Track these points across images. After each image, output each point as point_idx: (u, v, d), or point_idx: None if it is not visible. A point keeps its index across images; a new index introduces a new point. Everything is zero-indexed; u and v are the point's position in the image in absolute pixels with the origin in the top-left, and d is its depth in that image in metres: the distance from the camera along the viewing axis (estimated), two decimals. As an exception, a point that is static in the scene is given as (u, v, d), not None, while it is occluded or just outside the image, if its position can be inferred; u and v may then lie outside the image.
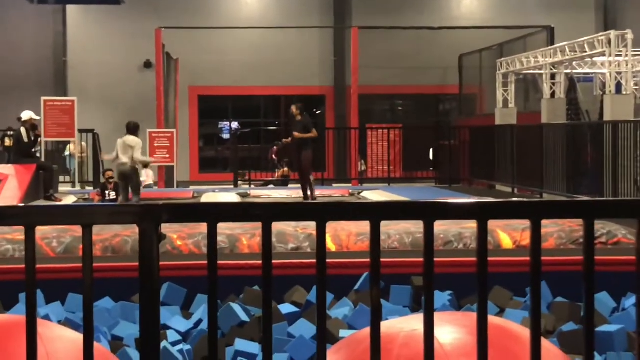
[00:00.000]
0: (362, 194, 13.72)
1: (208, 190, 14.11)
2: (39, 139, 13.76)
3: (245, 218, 1.91)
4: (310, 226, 6.79)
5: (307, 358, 5.06)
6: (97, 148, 17.48)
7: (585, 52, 13.71)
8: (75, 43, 23.11)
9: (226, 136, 24.14)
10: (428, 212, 1.88)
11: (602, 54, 13.28)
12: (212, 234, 1.84)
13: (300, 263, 6.27)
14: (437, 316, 3.17)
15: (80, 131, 17.06)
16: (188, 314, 6.02)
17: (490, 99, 19.67)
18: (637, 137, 10.34)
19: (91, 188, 16.04)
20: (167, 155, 17.64)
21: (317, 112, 23.39)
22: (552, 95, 15.32)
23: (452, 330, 3.20)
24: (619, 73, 12.68)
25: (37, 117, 13.30)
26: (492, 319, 3.37)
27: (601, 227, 7.09)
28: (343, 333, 5.20)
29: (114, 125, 18.40)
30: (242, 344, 5.22)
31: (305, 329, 5.40)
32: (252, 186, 16.83)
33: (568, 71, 16.08)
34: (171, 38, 19.68)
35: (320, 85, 23.44)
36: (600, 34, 13.83)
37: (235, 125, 23.58)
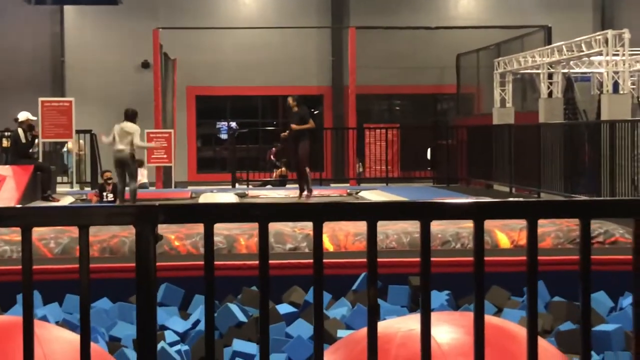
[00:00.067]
0: (359, 194, 13.73)
1: (206, 191, 14.11)
2: (36, 140, 13.74)
3: (242, 218, 1.91)
4: (308, 226, 6.79)
5: (305, 358, 5.06)
6: (95, 148, 17.47)
7: (583, 51, 13.72)
8: (72, 43, 23.09)
9: (224, 136, 24.13)
10: (424, 212, 1.88)
11: (600, 54, 13.28)
12: (208, 235, 1.84)
13: (298, 263, 6.28)
14: (435, 316, 3.18)
15: (78, 132, 17.04)
16: (186, 315, 6.03)
17: (487, 98, 19.68)
18: (634, 137, 10.35)
19: (89, 188, 16.03)
20: (165, 156, 17.63)
21: (315, 112, 23.39)
22: (550, 94, 15.33)
23: (450, 330, 3.20)
24: (616, 72, 12.69)
25: (34, 118, 13.29)
26: (489, 319, 3.38)
27: (599, 226, 7.10)
28: (341, 333, 5.20)
29: (112, 125, 18.35)
30: (239, 345, 5.22)
31: (303, 329, 5.40)
32: (250, 186, 16.84)
33: (565, 71, 16.08)
34: (169, 38, 19.67)
35: (318, 85, 23.44)
36: (598, 33, 13.83)
37: (233, 125, 23.58)
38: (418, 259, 1.95)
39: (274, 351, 5.11)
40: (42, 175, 12.51)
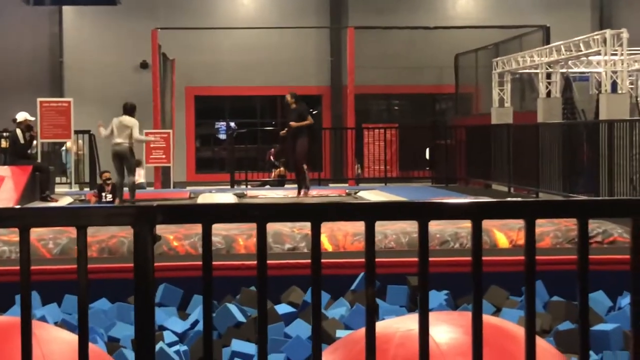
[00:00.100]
0: (358, 194, 13.73)
1: (205, 191, 14.10)
2: (34, 140, 13.74)
3: (240, 219, 1.91)
4: (307, 226, 6.78)
5: (304, 358, 5.06)
6: (94, 149, 17.47)
7: (581, 51, 13.72)
8: (71, 44, 23.09)
9: (223, 136, 24.12)
10: (422, 213, 1.88)
11: (598, 53, 13.29)
12: (206, 235, 1.84)
13: (296, 263, 6.28)
14: (434, 316, 3.18)
15: (77, 132, 17.04)
16: (185, 315, 6.02)
17: (486, 98, 19.68)
18: (632, 136, 10.36)
19: (88, 189, 16.02)
20: (164, 156, 17.62)
21: (314, 112, 23.40)
22: (548, 94, 15.34)
23: (448, 329, 3.20)
24: (615, 72, 12.70)
25: (32, 118, 13.28)
26: (488, 319, 3.38)
27: (597, 226, 7.10)
28: (339, 333, 5.20)
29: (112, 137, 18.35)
30: (238, 345, 5.22)
31: (301, 329, 5.40)
32: (249, 186, 16.83)
33: (564, 70, 16.09)
34: (167, 38, 19.67)
35: (317, 86, 23.44)
36: (596, 33, 13.84)
37: (232, 125, 23.57)
38: (417, 259, 1.95)
39: (272, 351, 5.11)
40: (40, 176, 12.51)
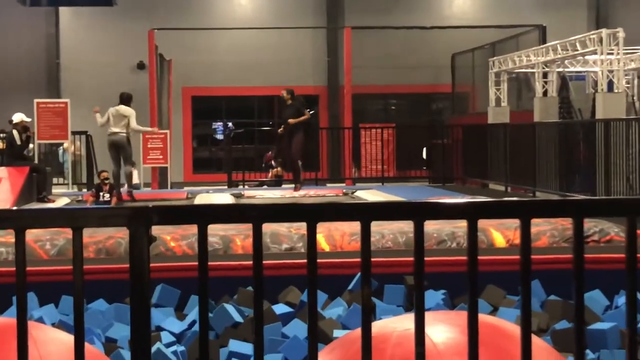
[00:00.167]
0: (355, 194, 13.73)
1: (202, 191, 14.10)
2: (30, 141, 13.74)
3: (236, 219, 1.91)
4: (304, 226, 6.79)
5: (301, 358, 5.06)
6: (91, 149, 17.45)
7: (577, 50, 13.74)
8: (68, 45, 23.06)
9: (220, 137, 24.12)
10: (418, 212, 1.88)
11: (594, 53, 13.31)
12: (202, 236, 1.84)
13: (293, 263, 6.28)
14: (431, 315, 3.18)
15: (74, 133, 17.03)
16: (182, 315, 6.02)
17: (482, 97, 19.70)
18: (628, 135, 10.38)
19: (85, 189, 16.01)
20: (161, 156, 17.61)
21: (312, 112, 23.40)
22: (545, 93, 15.35)
23: (445, 329, 3.20)
24: (611, 71, 12.71)
25: (28, 119, 13.28)
26: (485, 318, 3.38)
27: (594, 225, 7.11)
28: (337, 333, 5.21)
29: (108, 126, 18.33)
30: (235, 345, 5.22)
31: (299, 329, 5.40)
32: (246, 186, 16.83)
33: (560, 70, 16.11)
34: (164, 39, 19.66)
35: (314, 85, 23.44)
36: (592, 32, 13.86)
37: (229, 125, 23.56)
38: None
39: (270, 351, 5.11)
40: (37, 177, 12.51)
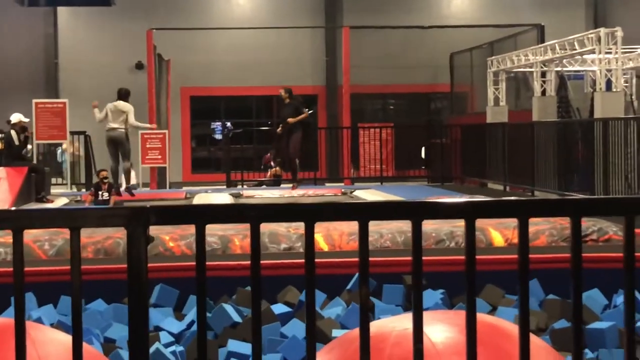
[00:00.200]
0: (354, 193, 13.73)
1: (201, 191, 14.10)
2: (29, 142, 13.72)
3: (233, 219, 1.91)
4: (303, 226, 6.79)
5: (300, 358, 5.06)
6: (90, 150, 17.44)
7: (575, 49, 13.74)
8: (66, 45, 23.05)
9: (218, 137, 24.11)
10: (415, 212, 1.88)
11: (592, 52, 13.31)
12: (200, 236, 1.84)
13: (292, 263, 6.28)
14: (429, 315, 3.18)
15: (72, 133, 17.01)
16: (181, 315, 6.02)
17: (481, 97, 19.70)
18: (627, 134, 10.38)
19: (84, 190, 16.00)
20: (160, 156, 17.60)
21: (310, 112, 23.41)
22: (543, 93, 15.35)
23: (444, 328, 3.20)
24: (609, 70, 12.72)
25: (26, 119, 13.27)
26: (484, 317, 3.38)
27: (592, 224, 7.11)
28: (335, 332, 5.21)
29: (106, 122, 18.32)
30: (234, 345, 5.22)
31: (298, 329, 5.40)
32: (245, 186, 16.82)
33: (558, 69, 16.11)
34: (162, 39, 19.65)
35: (313, 85, 23.44)
36: (590, 31, 13.86)
37: (228, 125, 23.56)
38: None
39: (269, 351, 5.11)
40: (36, 177, 12.50)
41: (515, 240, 6.83)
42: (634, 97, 17.43)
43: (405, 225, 6.99)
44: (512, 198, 2.05)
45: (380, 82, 22.96)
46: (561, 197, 2.39)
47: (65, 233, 6.95)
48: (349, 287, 6.24)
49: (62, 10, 22.81)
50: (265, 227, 6.74)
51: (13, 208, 9.02)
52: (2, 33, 22.43)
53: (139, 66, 22.27)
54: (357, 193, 13.64)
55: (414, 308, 1.93)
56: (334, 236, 6.96)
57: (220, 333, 5.53)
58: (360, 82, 20.75)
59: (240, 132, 20.03)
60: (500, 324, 3.42)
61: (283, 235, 6.96)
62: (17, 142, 12.59)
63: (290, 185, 13.46)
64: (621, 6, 23.09)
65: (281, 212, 1.97)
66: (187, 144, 23.54)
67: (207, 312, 4.73)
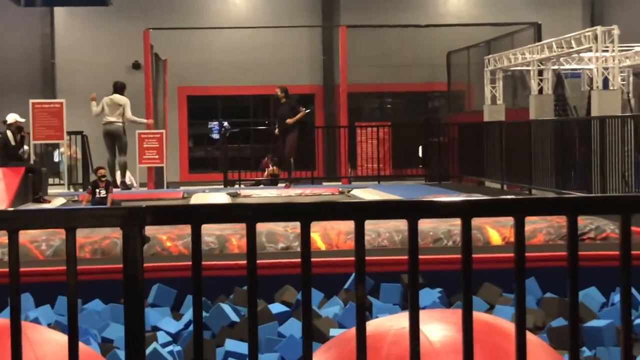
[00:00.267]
0: (351, 192, 13.73)
1: (198, 191, 14.09)
2: (25, 142, 13.71)
3: (229, 219, 1.91)
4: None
5: (298, 358, 5.06)
6: (87, 150, 17.42)
7: (572, 48, 13.75)
8: (63, 45, 23.03)
9: (216, 136, 24.11)
10: (411, 211, 1.88)
11: (589, 50, 13.32)
12: (196, 236, 1.84)
13: (289, 262, 6.28)
14: (427, 313, 3.18)
15: (69, 133, 17.00)
16: (178, 315, 6.02)
17: (478, 95, 19.71)
18: (624, 133, 10.39)
19: (81, 190, 15.99)
20: (157, 156, 17.58)
21: (308, 111, 23.40)
22: (540, 91, 15.36)
23: (441, 327, 3.20)
24: (606, 68, 12.72)
25: (22, 120, 13.26)
26: (481, 316, 3.38)
27: (590, 222, 7.11)
28: (333, 332, 5.20)
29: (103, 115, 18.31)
30: (232, 344, 5.22)
31: (295, 328, 5.40)
32: (242, 186, 16.82)
33: (555, 67, 16.12)
34: (159, 39, 19.64)
35: (310, 84, 23.44)
36: (587, 29, 13.87)
37: (225, 124, 23.55)
38: (407, 258, 1.95)
39: (266, 350, 5.11)
40: (33, 177, 12.49)
41: (513, 239, 6.84)
42: (631, 95, 17.45)
43: (403, 224, 6.97)
44: (509, 197, 2.05)
45: (378, 81, 22.97)
46: (558, 196, 2.39)
47: (62, 233, 6.94)
48: (346, 286, 6.24)
49: (58, 10, 22.80)
50: (263, 227, 6.74)
51: (10, 209, 9.01)
52: (-2, 33, 22.42)
53: (136, 66, 22.26)
54: (355, 192, 13.64)
55: (410, 306, 1.93)
56: (332, 235, 6.95)
57: (217, 333, 5.53)
58: (357, 81, 20.75)
59: (238, 132, 20.03)
60: (497, 322, 3.42)
61: (281, 234, 6.96)
62: (13, 143, 12.57)
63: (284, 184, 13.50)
64: (618, 4, 23.11)
65: (277, 211, 1.97)
66: (184, 143, 23.53)
67: (204, 311, 4.74)
